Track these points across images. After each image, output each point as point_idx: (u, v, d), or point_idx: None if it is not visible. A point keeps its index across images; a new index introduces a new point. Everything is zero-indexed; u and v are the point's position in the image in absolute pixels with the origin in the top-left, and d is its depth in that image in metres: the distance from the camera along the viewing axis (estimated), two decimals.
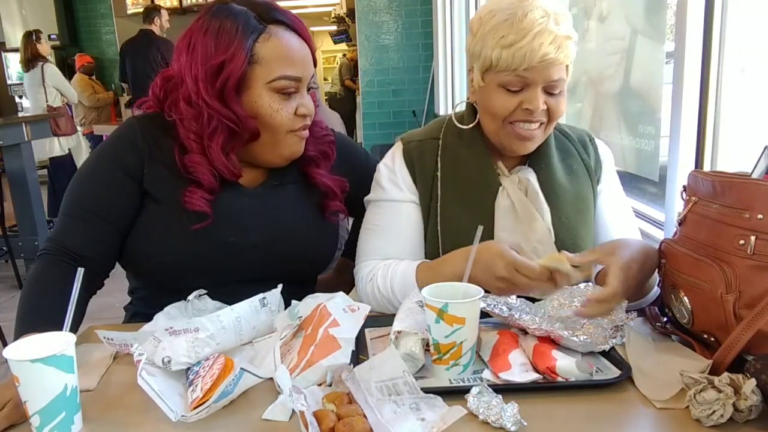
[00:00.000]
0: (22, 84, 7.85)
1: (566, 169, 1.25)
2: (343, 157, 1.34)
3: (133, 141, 1.18)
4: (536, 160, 1.24)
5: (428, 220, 1.23)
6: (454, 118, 1.26)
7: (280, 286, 1.11)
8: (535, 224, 1.18)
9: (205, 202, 1.14)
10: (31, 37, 5.69)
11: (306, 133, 1.20)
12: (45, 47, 5.79)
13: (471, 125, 1.23)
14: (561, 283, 1.03)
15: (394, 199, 1.25)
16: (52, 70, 5.73)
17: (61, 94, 5.76)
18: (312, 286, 1.40)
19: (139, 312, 1.28)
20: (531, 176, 1.22)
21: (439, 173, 1.24)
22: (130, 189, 1.17)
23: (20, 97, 7.90)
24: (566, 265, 1.01)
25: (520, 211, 1.18)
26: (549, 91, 1.13)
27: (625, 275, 0.99)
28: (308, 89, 1.19)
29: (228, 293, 1.14)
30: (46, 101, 5.68)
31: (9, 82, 7.91)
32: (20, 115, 6.72)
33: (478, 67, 1.16)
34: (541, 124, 1.16)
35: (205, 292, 1.16)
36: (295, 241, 1.24)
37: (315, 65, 1.20)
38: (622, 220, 1.28)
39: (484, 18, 1.13)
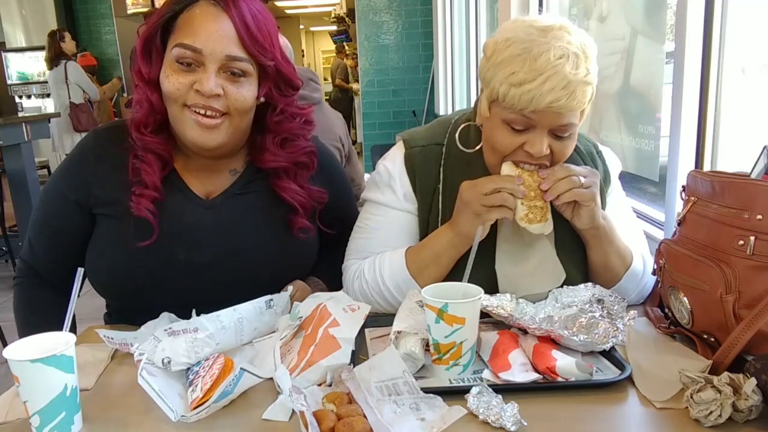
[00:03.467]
0: (22, 84, 7.89)
1: None
2: (323, 168, 1.28)
3: (86, 160, 1.17)
4: None
5: (426, 233, 1.19)
6: (457, 140, 1.18)
7: (290, 288, 1.10)
8: (537, 243, 1.15)
9: (150, 207, 1.10)
10: (55, 37, 5.94)
11: (207, 121, 1.07)
12: (69, 45, 6.03)
13: (475, 149, 1.17)
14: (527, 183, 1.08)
15: (389, 205, 1.21)
16: (74, 68, 5.98)
17: (83, 91, 5.96)
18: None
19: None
20: None
21: (440, 186, 1.19)
22: (78, 210, 1.16)
23: (20, 97, 7.91)
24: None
25: (523, 230, 1.12)
26: (556, 134, 1.06)
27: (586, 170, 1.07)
28: (235, 77, 1.07)
29: (191, 312, 1.08)
30: (69, 98, 5.86)
31: (9, 82, 7.92)
32: (21, 114, 6.77)
33: (486, 95, 1.09)
34: (542, 167, 1.09)
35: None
36: (254, 257, 1.17)
37: (263, 54, 1.08)
38: (626, 232, 1.21)
39: (499, 44, 1.04)
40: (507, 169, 1.09)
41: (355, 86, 9.32)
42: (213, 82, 1.05)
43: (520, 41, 1.01)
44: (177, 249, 1.13)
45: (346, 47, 10.99)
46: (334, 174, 1.33)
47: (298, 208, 1.19)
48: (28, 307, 1.22)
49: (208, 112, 1.07)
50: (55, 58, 5.90)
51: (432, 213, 1.20)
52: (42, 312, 1.19)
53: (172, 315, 1.10)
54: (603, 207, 1.20)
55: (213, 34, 1.05)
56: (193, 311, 1.07)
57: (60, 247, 1.20)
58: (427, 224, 1.20)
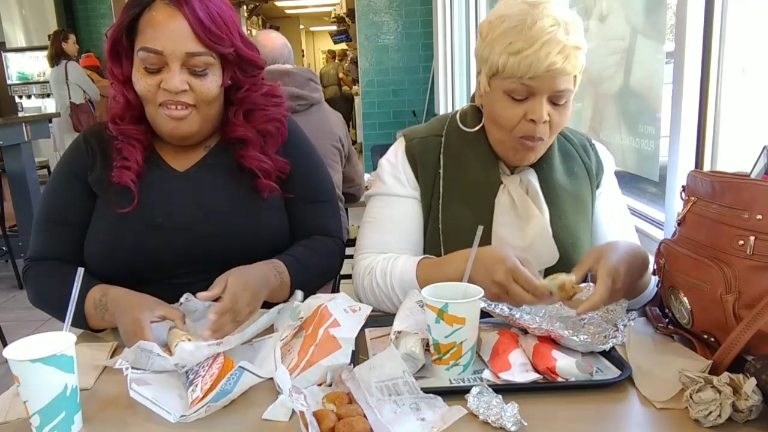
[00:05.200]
0: (22, 84, 7.88)
1: (567, 170, 1.26)
2: (289, 140, 1.33)
3: (78, 148, 1.26)
4: (538, 161, 1.24)
5: (429, 217, 1.24)
6: (458, 119, 1.25)
7: (299, 294, 1.11)
8: (533, 221, 1.19)
9: (132, 177, 1.19)
10: (58, 36, 5.96)
11: (177, 112, 1.16)
12: (71, 47, 6.05)
13: (476, 128, 1.23)
14: (555, 300, 1.02)
15: (395, 194, 1.26)
16: (75, 68, 6.00)
17: (84, 91, 5.97)
18: None
19: None
20: (532, 177, 1.23)
21: (441, 170, 1.24)
22: (80, 189, 1.23)
23: (20, 97, 7.91)
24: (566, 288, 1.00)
25: (520, 208, 1.19)
26: (554, 101, 1.12)
27: (612, 278, 0.99)
28: (198, 72, 1.14)
29: (177, 286, 1.13)
30: (69, 98, 5.86)
31: (9, 82, 7.91)
32: (21, 114, 6.77)
33: (485, 71, 1.15)
34: (542, 139, 1.15)
35: (192, 295, 1.15)
36: (223, 220, 1.22)
37: (220, 44, 1.14)
38: (620, 225, 1.29)
39: (494, 23, 1.12)
40: (555, 288, 1.00)
41: (355, 89, 9.36)
42: (178, 80, 1.13)
43: (514, 16, 1.09)
44: (155, 213, 1.20)
45: (346, 46, 11.01)
46: (299, 147, 1.36)
47: (260, 175, 1.25)
48: (45, 275, 1.21)
49: (179, 107, 1.15)
50: (55, 57, 5.92)
51: (434, 197, 1.24)
52: (58, 276, 1.19)
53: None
54: (593, 199, 1.27)
55: (171, 34, 1.12)
56: (194, 298, 1.08)
57: (65, 232, 1.22)
58: (429, 207, 1.24)
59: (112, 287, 1.12)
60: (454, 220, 1.21)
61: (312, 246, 1.28)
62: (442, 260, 1.16)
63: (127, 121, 1.21)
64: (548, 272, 1.18)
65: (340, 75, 10.28)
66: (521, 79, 1.08)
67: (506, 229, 1.19)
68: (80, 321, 1.12)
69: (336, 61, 11.00)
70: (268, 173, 1.26)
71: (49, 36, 6.96)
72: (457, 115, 1.26)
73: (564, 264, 1.18)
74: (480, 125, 1.22)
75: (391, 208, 1.26)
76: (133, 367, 0.90)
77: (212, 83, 1.17)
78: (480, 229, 1.05)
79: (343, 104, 9.74)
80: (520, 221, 1.19)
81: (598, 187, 1.29)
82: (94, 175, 1.23)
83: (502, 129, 1.15)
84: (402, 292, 1.16)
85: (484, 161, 1.23)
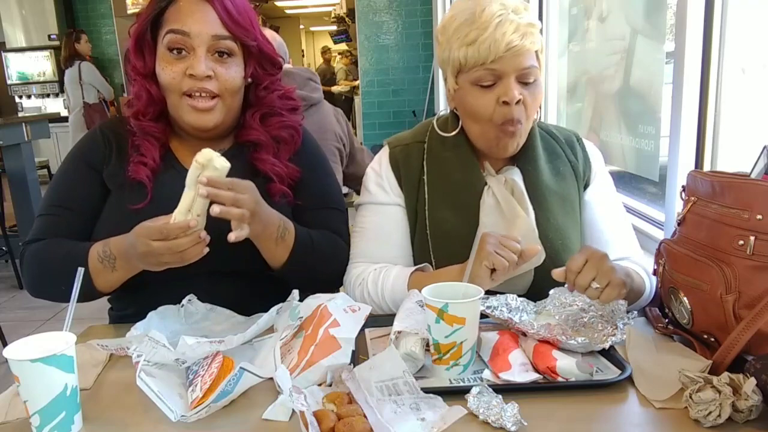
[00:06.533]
0: (22, 84, 7.89)
1: (553, 170, 1.25)
2: (302, 149, 1.33)
3: (95, 139, 1.27)
4: (523, 161, 1.23)
5: (416, 224, 1.24)
6: (436, 126, 1.25)
7: (295, 293, 1.11)
8: (518, 221, 1.17)
9: (148, 173, 1.19)
10: (71, 36, 6.05)
11: (202, 104, 1.16)
12: (84, 46, 6.14)
13: (454, 132, 1.23)
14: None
15: (380, 202, 1.27)
16: (88, 68, 6.07)
17: (98, 91, 5.99)
18: (272, 283, 1.26)
19: (123, 316, 1.28)
20: (517, 177, 1.22)
21: (425, 177, 1.24)
22: (92, 179, 1.23)
23: (20, 97, 7.92)
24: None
25: (505, 208, 1.18)
26: (522, 80, 1.12)
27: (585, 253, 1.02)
28: (223, 52, 1.16)
29: (182, 286, 1.14)
30: (83, 98, 5.89)
31: (9, 82, 7.92)
32: (21, 114, 6.78)
33: (450, 71, 1.17)
34: (521, 122, 1.14)
35: (195, 297, 1.15)
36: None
37: (245, 34, 1.17)
38: (614, 223, 1.27)
39: (447, 24, 1.16)
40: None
41: (335, 89, 9.31)
42: (204, 65, 1.14)
43: (463, 11, 1.13)
44: (165, 212, 1.17)
45: (346, 46, 10.96)
46: (311, 156, 1.36)
47: (273, 178, 1.25)
48: (45, 246, 1.20)
49: (203, 94, 1.16)
50: (69, 58, 5.97)
51: (419, 203, 1.24)
52: (59, 244, 1.18)
53: (169, 311, 1.11)
54: (581, 198, 1.26)
55: (198, 18, 1.14)
56: (196, 300, 1.10)
57: (69, 218, 1.21)
58: (415, 213, 1.24)
59: (110, 239, 1.12)
60: (441, 225, 1.21)
61: (320, 235, 1.27)
62: (435, 273, 1.17)
63: (149, 117, 1.22)
64: (536, 272, 1.17)
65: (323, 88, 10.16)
66: (484, 65, 1.10)
67: (492, 230, 1.16)
68: (87, 286, 1.10)
69: (324, 65, 10.78)
70: (281, 177, 1.26)
71: (49, 36, 6.99)
72: (436, 121, 1.26)
73: (554, 264, 1.13)
74: (458, 129, 1.22)
75: (376, 216, 1.27)
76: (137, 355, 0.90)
77: (236, 72, 1.18)
78: (481, 232, 1.05)
79: (340, 105, 9.73)
80: (506, 222, 1.18)
81: (587, 187, 1.28)
82: (110, 169, 1.23)
83: (479, 120, 1.16)
84: (393, 303, 1.17)
85: (466, 164, 1.22)
